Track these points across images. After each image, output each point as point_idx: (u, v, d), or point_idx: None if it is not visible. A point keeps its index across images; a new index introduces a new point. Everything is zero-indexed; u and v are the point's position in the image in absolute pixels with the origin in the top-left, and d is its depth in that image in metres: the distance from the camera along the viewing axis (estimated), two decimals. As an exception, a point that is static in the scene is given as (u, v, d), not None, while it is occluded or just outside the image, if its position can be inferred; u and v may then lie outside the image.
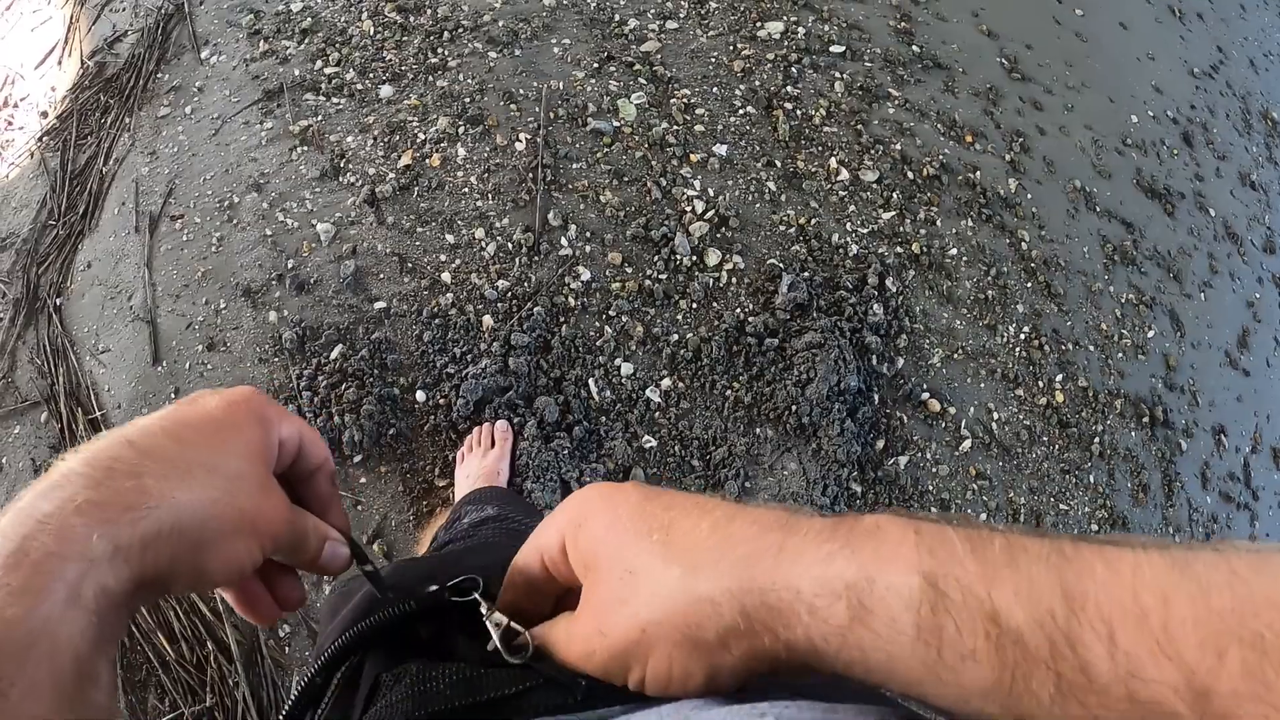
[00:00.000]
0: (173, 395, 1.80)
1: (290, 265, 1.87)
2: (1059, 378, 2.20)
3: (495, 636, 0.41)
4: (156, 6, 2.30)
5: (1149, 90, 2.77)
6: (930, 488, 1.97)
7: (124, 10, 2.35)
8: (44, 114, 2.30)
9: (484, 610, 0.42)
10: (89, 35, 2.38)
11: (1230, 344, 2.55)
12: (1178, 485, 2.29)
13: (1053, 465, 2.13)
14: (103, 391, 1.85)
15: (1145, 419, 2.28)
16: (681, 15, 2.22)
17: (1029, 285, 2.23)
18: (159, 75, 2.19)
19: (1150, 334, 2.40)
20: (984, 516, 2.00)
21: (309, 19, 2.14)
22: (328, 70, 2.06)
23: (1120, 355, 2.32)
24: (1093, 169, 2.49)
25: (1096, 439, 2.20)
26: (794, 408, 1.86)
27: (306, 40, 2.10)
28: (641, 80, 2.08)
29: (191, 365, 1.82)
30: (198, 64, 2.17)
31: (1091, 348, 2.28)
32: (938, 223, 2.16)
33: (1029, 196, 2.34)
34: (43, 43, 2.43)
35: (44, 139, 2.25)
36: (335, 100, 2.02)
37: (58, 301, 1.98)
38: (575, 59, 2.10)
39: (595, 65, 2.08)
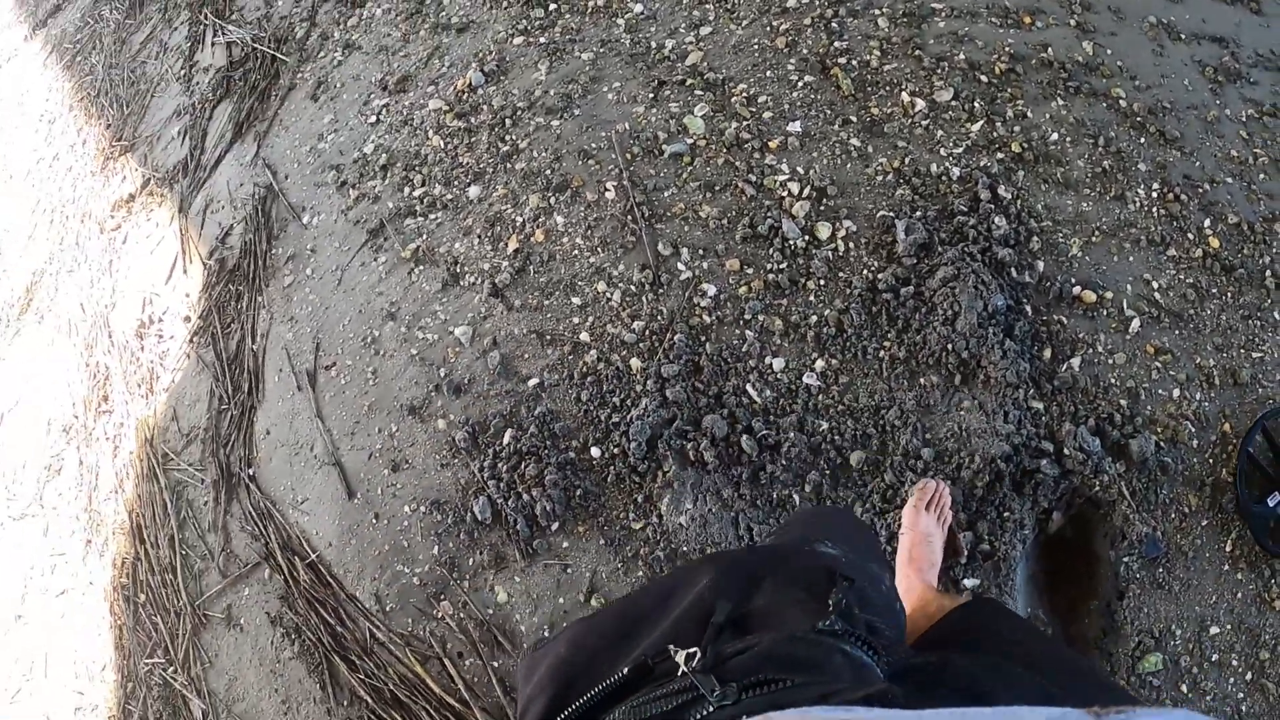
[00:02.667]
0: (374, 520, 1.97)
1: (443, 374, 2.01)
2: (1206, 223, 2.08)
3: None
4: (250, 195, 2.53)
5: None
6: (1113, 381, 1.89)
7: (224, 208, 2.60)
8: (187, 319, 2.56)
9: None
10: (201, 239, 2.65)
11: (1374, 118, 2.35)
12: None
13: (1231, 315, 2.01)
14: (312, 536, 2.03)
15: (1317, 232, 2.13)
16: (712, 18, 2.26)
17: (1142, 141, 2.13)
18: (273, 251, 2.41)
19: (1288, 143, 2.24)
20: (1175, 392, 1.91)
21: (384, 155, 2.31)
22: (416, 193, 2.21)
23: (1262, 176, 2.17)
24: (1161, 15, 2.35)
25: (1268, 271, 2.06)
26: (949, 346, 1.85)
27: (388, 174, 2.27)
28: (698, 92, 2.13)
29: (382, 490, 1.98)
30: (303, 230, 2.37)
31: (1229, 179, 2.15)
32: (1029, 114, 2.10)
33: (1109, 53, 2.24)
34: (164, 260, 2.72)
35: (194, 339, 2.51)
36: (433, 216, 2.17)
37: (250, 472, 2.19)
38: (631, 97, 2.17)
39: (651, 95, 2.15)
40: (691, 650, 0.55)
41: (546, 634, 1.81)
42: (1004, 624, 1.03)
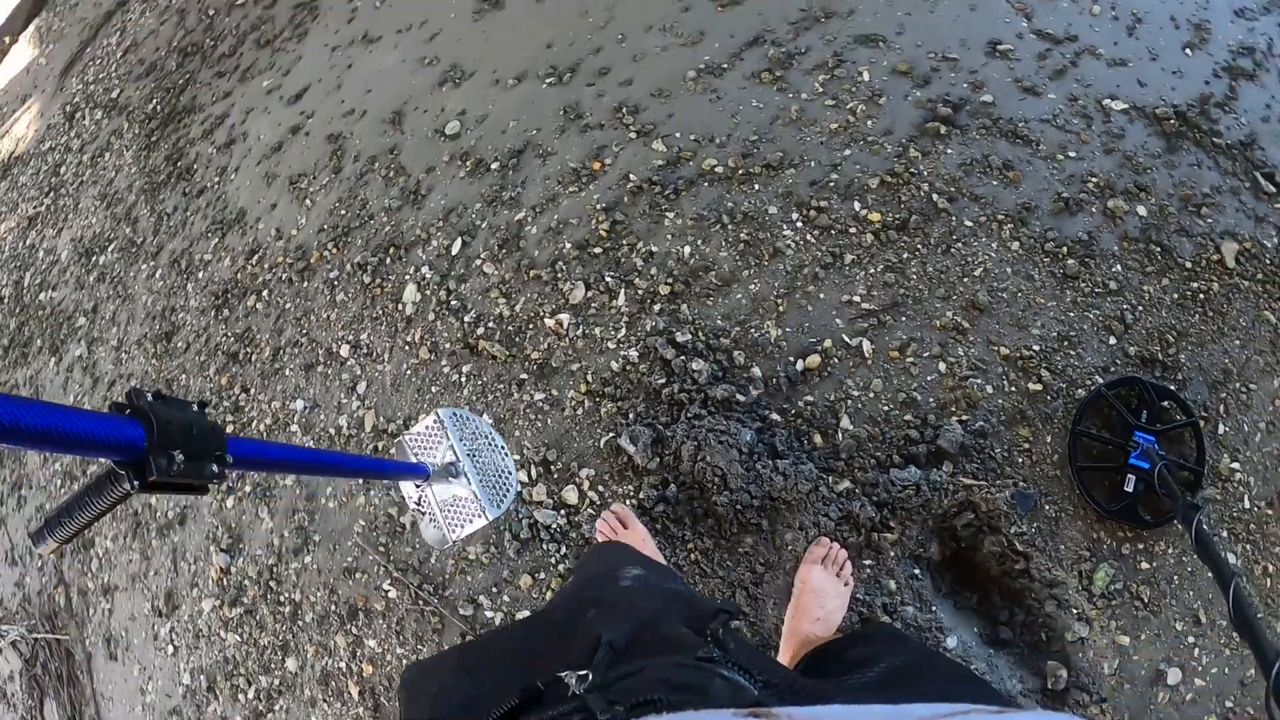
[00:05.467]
0: None
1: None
2: (856, 206, 2.13)
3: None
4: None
5: None
6: (885, 408, 1.93)
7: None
8: None
9: None
10: None
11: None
12: (1024, 129, 2.19)
13: (935, 259, 2.06)
14: None
15: (942, 129, 2.19)
16: (360, 372, 2.24)
17: (756, 187, 2.17)
18: None
19: (865, 77, 2.30)
20: (941, 367, 1.95)
21: (202, 678, 2.26)
22: (250, 695, 2.16)
23: (870, 123, 2.23)
24: (694, 65, 2.42)
25: (933, 196, 2.12)
26: (739, 507, 1.87)
27: (217, 693, 2.22)
28: (393, 451, 2.12)
29: None
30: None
31: (848, 150, 2.20)
32: (653, 248, 2.13)
33: (678, 134, 2.28)
34: None
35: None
36: (279, 706, 2.13)
37: None
38: (348, 491, 2.15)
39: (359, 480, 2.15)
40: (582, 672, 0.58)
41: None
42: (893, 643, 1.08)
